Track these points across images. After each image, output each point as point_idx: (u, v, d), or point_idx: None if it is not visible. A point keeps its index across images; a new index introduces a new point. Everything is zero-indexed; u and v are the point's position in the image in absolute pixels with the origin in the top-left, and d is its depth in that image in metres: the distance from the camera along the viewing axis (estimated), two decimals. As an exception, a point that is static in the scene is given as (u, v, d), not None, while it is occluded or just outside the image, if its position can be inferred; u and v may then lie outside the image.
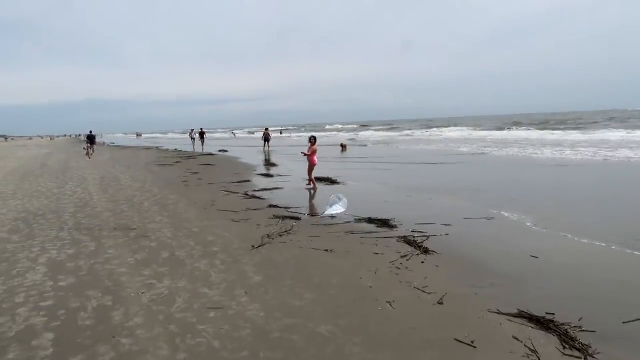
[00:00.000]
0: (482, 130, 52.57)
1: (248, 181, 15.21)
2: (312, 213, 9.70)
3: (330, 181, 14.32)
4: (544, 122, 60.46)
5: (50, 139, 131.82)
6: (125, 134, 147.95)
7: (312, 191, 12.86)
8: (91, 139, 39.45)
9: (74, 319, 4.46)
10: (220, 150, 33.83)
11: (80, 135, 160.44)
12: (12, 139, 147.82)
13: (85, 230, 8.30)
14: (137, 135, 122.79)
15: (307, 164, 13.63)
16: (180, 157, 28.37)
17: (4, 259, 6.58)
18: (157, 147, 45.45)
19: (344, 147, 31.07)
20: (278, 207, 10.30)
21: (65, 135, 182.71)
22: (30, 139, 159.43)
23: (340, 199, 9.78)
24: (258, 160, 24.41)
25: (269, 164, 21.15)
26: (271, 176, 16.44)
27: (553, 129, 44.86)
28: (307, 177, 13.66)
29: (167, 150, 39.71)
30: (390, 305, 4.67)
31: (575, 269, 5.75)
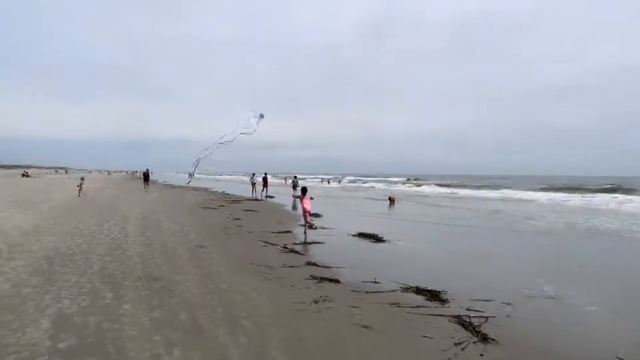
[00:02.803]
0: (541, 191, 49.83)
1: (289, 232, 14.55)
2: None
3: (376, 238, 13.39)
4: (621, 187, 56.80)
5: (108, 173, 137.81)
6: (177, 173, 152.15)
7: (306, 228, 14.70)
8: (145, 176, 41.10)
9: (57, 398, 3.78)
10: (266, 196, 33.60)
11: (136, 171, 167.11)
12: (72, 171, 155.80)
13: (107, 278, 7.79)
14: (189, 175, 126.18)
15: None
16: (226, 201, 28.27)
17: (12, 308, 6.10)
18: (205, 189, 45.98)
19: (392, 200, 30.05)
20: (317, 265, 9.50)
21: (122, 171, 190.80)
22: (89, 172, 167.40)
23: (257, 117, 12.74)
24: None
25: (313, 214, 20.40)
26: (314, 228, 15.72)
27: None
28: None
29: (215, 192, 39.99)
30: (442, 417, 3.71)
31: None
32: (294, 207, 24.63)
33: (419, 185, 69.48)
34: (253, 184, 36.90)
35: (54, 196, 27.41)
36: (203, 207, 22.86)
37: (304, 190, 15.88)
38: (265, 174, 36.69)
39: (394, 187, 62.08)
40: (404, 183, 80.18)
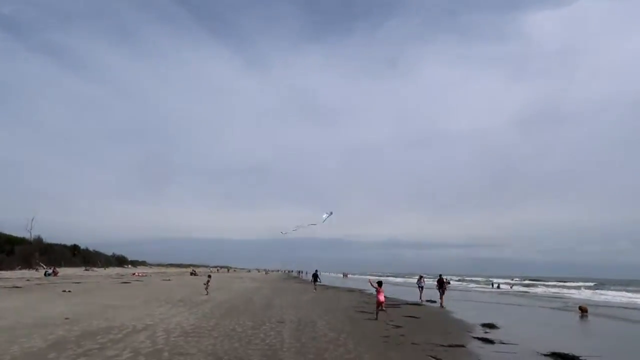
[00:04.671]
0: None
1: (461, 346, 12.76)
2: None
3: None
4: None
5: (265, 272, 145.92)
6: (329, 273, 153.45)
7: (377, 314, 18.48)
8: (315, 276, 43.26)
9: None
10: (428, 300, 31.56)
11: (292, 271, 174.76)
12: (234, 271, 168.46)
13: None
14: (344, 276, 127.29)
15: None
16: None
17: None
18: (360, 290, 45.26)
19: (584, 311, 25.77)
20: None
21: (278, 270, 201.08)
22: (249, 271, 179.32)
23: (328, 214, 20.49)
24: (476, 317, 21.34)
25: (487, 325, 18.08)
26: (491, 342, 13.67)
27: None
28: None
29: (371, 294, 38.93)
30: None
31: None
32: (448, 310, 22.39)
33: (601, 291, 60.14)
34: (420, 287, 34.31)
35: (216, 295, 28.95)
36: (359, 311, 21.91)
37: (380, 283, 19.22)
38: (440, 275, 32.98)
39: (574, 294, 54.45)
40: (581, 288, 70.38)
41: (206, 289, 29.26)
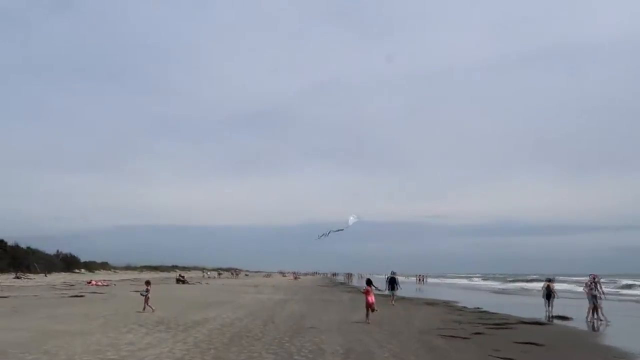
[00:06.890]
0: None
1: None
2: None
3: None
4: None
5: (294, 277, 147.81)
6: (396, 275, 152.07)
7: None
8: (392, 282, 41.80)
9: None
10: (556, 316, 31.30)
11: (336, 274, 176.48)
12: (246, 275, 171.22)
13: None
14: (419, 280, 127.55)
15: None
16: (484, 323, 26.91)
17: None
18: (445, 303, 45.27)
19: None
20: None
21: (314, 273, 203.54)
22: (268, 275, 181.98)
23: (355, 218, 33.21)
24: (638, 343, 20.87)
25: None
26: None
27: None
28: None
29: (463, 308, 38.91)
30: None
31: None
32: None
33: None
34: (549, 296, 34.87)
35: (215, 313, 29.37)
36: (443, 336, 21.89)
37: (369, 282, 26.41)
38: (594, 277, 31.74)
39: None
40: None
41: (145, 302, 29.41)
